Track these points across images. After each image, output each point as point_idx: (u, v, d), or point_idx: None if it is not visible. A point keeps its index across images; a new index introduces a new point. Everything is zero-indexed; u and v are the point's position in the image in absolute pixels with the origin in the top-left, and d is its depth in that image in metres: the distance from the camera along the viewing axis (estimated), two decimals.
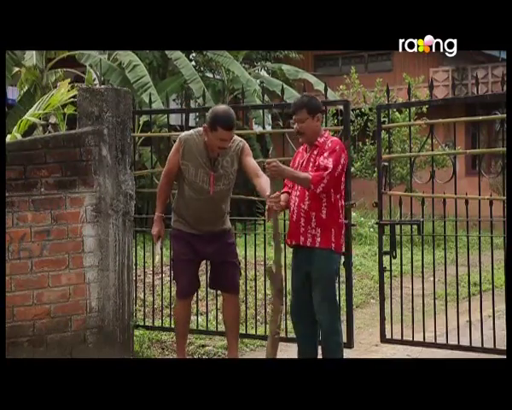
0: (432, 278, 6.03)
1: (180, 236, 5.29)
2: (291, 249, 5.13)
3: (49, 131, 11.54)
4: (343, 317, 5.82)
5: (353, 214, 10.71)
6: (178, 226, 5.32)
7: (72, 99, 7.63)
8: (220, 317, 6.03)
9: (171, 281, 6.11)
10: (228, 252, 5.38)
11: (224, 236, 5.37)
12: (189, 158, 5.20)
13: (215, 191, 5.21)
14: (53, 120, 11.43)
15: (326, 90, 6.18)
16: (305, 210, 4.87)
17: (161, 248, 5.48)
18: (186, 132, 5.35)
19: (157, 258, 5.41)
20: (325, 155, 4.84)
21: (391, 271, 5.89)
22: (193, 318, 5.96)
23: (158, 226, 5.37)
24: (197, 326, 6.40)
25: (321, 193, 4.82)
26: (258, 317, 6.76)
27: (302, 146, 5.12)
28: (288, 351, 6.05)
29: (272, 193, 4.73)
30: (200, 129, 5.27)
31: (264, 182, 4.98)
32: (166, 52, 15.00)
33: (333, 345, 4.90)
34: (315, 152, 4.93)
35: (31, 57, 13.24)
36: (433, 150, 6.33)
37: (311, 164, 4.90)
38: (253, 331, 6.36)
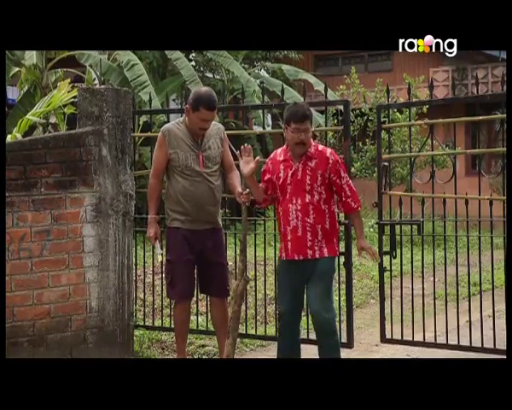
0: (432, 278, 6.03)
1: (178, 234, 5.28)
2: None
3: (49, 131, 11.54)
4: (343, 317, 5.82)
5: None
6: (176, 224, 5.30)
7: (72, 99, 7.65)
8: None
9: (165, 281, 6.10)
10: (221, 251, 5.43)
11: (218, 233, 5.43)
12: (177, 145, 5.28)
13: (205, 172, 5.26)
14: (53, 119, 11.43)
15: (326, 90, 6.18)
16: (311, 224, 4.85)
17: (161, 247, 5.47)
18: (166, 125, 5.44)
19: (159, 257, 5.40)
20: (342, 174, 4.93)
21: (391, 271, 5.89)
22: (193, 318, 5.96)
23: (153, 227, 5.38)
24: (197, 326, 6.40)
25: (323, 205, 4.88)
26: (258, 317, 6.76)
27: (282, 154, 5.01)
28: None
29: (244, 189, 5.00)
30: (179, 120, 5.42)
31: (235, 177, 5.35)
32: (166, 52, 14.99)
33: (334, 343, 4.91)
34: (310, 163, 4.89)
35: (31, 57, 13.23)
36: (433, 150, 6.33)
37: (308, 176, 4.87)
38: (253, 331, 6.36)
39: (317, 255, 4.86)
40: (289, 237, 4.90)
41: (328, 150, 4.98)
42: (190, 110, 5.23)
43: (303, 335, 6.08)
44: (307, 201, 4.85)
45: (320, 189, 4.87)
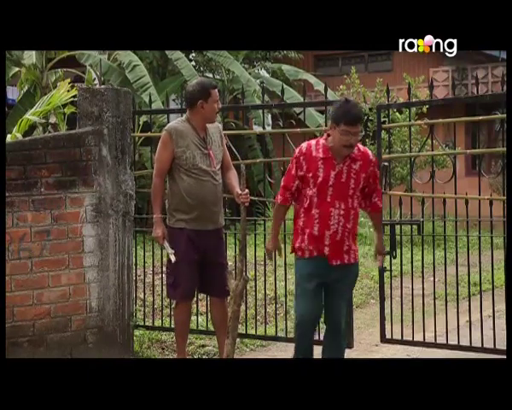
0: (432, 278, 6.03)
1: (183, 235, 5.25)
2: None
3: (49, 131, 11.54)
4: None
5: None
6: (180, 225, 5.28)
7: (72, 99, 7.66)
8: None
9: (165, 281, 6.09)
10: (222, 251, 5.44)
11: (220, 233, 5.44)
12: (184, 143, 5.26)
13: (212, 170, 5.28)
14: (53, 119, 11.44)
15: (326, 90, 6.18)
16: (349, 229, 4.62)
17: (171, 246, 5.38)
18: (171, 124, 5.41)
19: (173, 257, 5.29)
20: (378, 176, 4.76)
21: (391, 271, 5.89)
22: (193, 318, 5.95)
23: (160, 227, 5.32)
24: (197, 326, 6.39)
25: (357, 209, 4.69)
26: (258, 317, 6.76)
27: (321, 150, 4.61)
28: (288, 351, 6.06)
29: (243, 189, 4.98)
30: (181, 119, 5.41)
31: (233, 176, 5.39)
32: (166, 52, 15.01)
33: (343, 347, 4.90)
34: (355, 166, 4.61)
35: (30, 56, 13.25)
36: (433, 150, 6.33)
37: (353, 179, 4.59)
38: (253, 331, 6.36)
39: (352, 260, 4.68)
40: (327, 242, 4.59)
41: (370, 152, 4.73)
42: (203, 102, 5.23)
43: None
44: (349, 206, 4.61)
45: (358, 192, 4.65)
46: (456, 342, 5.63)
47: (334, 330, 4.80)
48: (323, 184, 4.57)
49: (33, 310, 5.23)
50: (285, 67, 17.47)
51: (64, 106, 8.40)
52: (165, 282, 6.50)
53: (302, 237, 4.68)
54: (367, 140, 15.52)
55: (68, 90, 7.79)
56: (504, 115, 5.34)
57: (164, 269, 6.82)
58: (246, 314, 6.10)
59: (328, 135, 4.62)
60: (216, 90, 5.33)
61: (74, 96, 7.16)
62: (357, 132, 4.52)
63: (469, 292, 5.69)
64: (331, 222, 4.58)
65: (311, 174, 4.59)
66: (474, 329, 5.60)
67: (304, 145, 4.69)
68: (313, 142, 4.69)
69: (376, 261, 5.06)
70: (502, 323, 5.34)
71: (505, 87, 5.28)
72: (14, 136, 7.44)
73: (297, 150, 4.72)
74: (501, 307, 5.90)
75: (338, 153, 4.57)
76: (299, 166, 4.64)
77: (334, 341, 4.83)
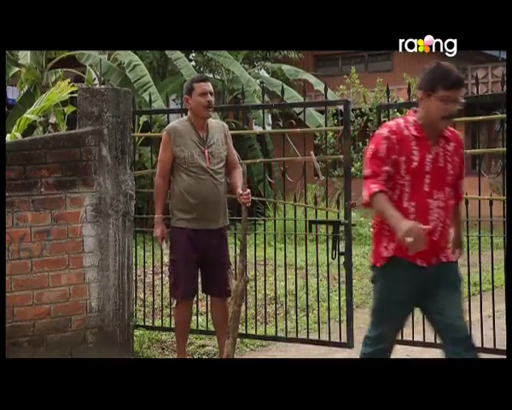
0: None
1: (183, 234, 5.26)
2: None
3: (49, 131, 11.55)
4: (343, 317, 5.82)
5: (353, 214, 10.72)
6: (181, 224, 5.29)
7: (71, 94, 7.66)
8: None
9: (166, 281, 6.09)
10: (224, 251, 5.44)
11: (223, 232, 5.44)
12: (182, 142, 5.30)
13: (211, 168, 5.29)
14: (53, 119, 11.45)
15: (326, 90, 6.18)
16: (448, 224, 3.85)
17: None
18: (170, 124, 5.47)
19: (165, 248, 5.36)
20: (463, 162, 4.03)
21: None
22: (193, 318, 5.95)
23: (161, 227, 5.35)
24: (197, 326, 6.39)
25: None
26: (258, 317, 6.76)
27: (413, 127, 3.77)
28: (288, 351, 6.07)
29: (244, 189, 4.98)
30: (182, 118, 5.49)
31: (238, 175, 5.36)
32: (166, 52, 15.01)
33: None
34: (449, 147, 3.88)
35: (24, 56, 13.27)
36: None
37: (450, 164, 3.87)
38: (253, 331, 6.36)
39: (444, 259, 3.86)
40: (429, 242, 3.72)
41: (457, 131, 4.03)
42: (189, 97, 5.33)
43: (303, 335, 6.10)
44: (447, 196, 3.84)
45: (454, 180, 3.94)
46: None
47: (458, 339, 3.92)
48: (419, 171, 3.75)
49: (33, 310, 5.23)
50: (285, 67, 17.47)
51: (64, 104, 8.41)
52: (165, 282, 6.51)
53: (390, 239, 3.77)
54: (367, 140, 15.57)
55: (68, 83, 7.79)
56: (504, 115, 5.35)
57: (164, 269, 6.84)
58: (246, 314, 6.09)
59: (415, 111, 3.86)
60: (202, 83, 5.36)
61: (73, 93, 7.16)
62: (459, 99, 3.76)
63: (469, 292, 5.69)
64: (430, 217, 3.74)
65: (404, 158, 3.73)
66: (474, 329, 5.58)
67: (391, 123, 3.84)
68: (400, 119, 3.88)
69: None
70: (502, 323, 5.34)
71: (505, 87, 5.29)
72: (13, 135, 7.44)
73: (384, 130, 3.80)
74: (501, 307, 5.90)
75: (433, 129, 3.77)
76: (391, 147, 3.72)
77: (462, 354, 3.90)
